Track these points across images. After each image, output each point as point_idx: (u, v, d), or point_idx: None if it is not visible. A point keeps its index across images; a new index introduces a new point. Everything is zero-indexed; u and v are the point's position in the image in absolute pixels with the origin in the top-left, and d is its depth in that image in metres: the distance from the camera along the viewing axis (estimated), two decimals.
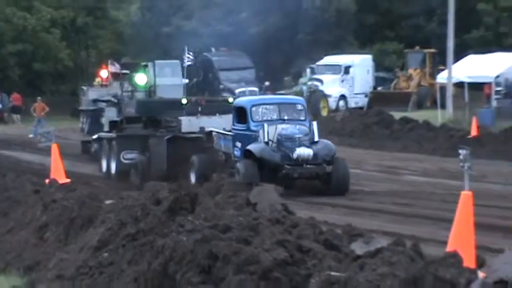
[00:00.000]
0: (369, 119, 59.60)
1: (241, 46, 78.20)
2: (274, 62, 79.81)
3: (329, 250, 13.09)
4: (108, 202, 19.57)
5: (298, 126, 31.62)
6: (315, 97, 67.97)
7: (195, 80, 75.15)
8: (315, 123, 31.98)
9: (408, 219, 27.27)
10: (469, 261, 13.18)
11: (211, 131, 33.97)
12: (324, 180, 31.18)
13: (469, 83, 62.63)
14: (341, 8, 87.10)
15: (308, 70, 74.15)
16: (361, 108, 70.48)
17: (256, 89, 73.65)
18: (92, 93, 61.31)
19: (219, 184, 27.08)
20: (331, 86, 72.30)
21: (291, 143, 30.84)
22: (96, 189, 23.92)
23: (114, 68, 64.58)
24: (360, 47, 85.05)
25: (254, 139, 31.27)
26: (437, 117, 59.88)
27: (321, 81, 72.17)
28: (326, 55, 78.62)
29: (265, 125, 31.21)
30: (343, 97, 73.22)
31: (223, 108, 35.80)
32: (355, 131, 57.84)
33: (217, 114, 34.87)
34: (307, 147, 30.73)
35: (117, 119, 38.78)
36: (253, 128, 31.67)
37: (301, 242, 13.18)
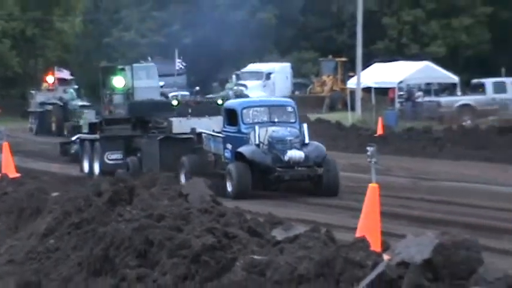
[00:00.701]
0: None
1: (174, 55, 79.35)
2: (204, 69, 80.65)
3: (252, 236, 13.17)
4: (54, 194, 19.75)
5: (289, 129, 29.56)
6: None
7: None
8: (305, 125, 30.08)
9: (323, 208, 27.43)
10: (375, 246, 13.36)
11: (201, 132, 31.85)
12: (315, 182, 29.09)
13: (375, 88, 65.34)
14: (263, 21, 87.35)
15: (234, 76, 75.43)
16: None
17: (187, 93, 72.91)
18: (39, 97, 63.26)
19: (155, 177, 23.85)
20: (254, 91, 73.15)
21: (282, 145, 28.65)
22: (44, 183, 23.81)
23: (61, 74, 65.16)
24: (280, 56, 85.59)
25: (245, 141, 29.14)
26: (348, 118, 61.92)
27: (245, 86, 72.88)
28: (250, 63, 79.44)
29: (256, 128, 29.03)
30: None
31: (212, 110, 33.67)
32: None
33: (206, 116, 32.67)
34: (298, 149, 28.64)
35: (96, 120, 36.69)
36: (244, 130, 29.44)
37: (227, 229, 13.19)
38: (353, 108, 65.77)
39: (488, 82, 64.93)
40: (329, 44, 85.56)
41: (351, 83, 71.03)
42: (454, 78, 69.16)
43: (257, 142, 28.51)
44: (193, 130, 31.41)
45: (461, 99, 63.73)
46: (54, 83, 63.67)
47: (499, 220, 24.61)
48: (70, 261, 15.06)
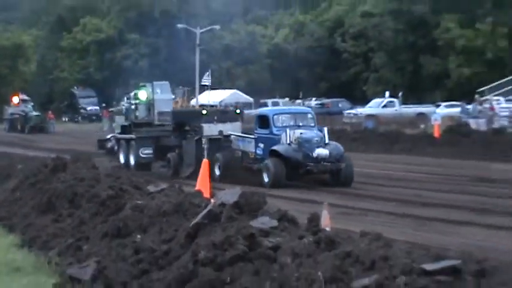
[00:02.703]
0: None
1: (90, 85, 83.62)
2: (108, 93, 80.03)
3: (136, 189, 13.60)
4: (19, 166, 20.70)
5: (315, 131, 26.37)
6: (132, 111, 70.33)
7: (65, 102, 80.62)
8: (325, 129, 26.80)
9: (329, 192, 24.04)
10: (207, 194, 13.99)
11: (230, 135, 28.48)
12: (334, 175, 25.69)
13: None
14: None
15: (125, 96, 75.13)
16: None
17: (98, 107, 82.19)
18: (10, 110, 67.67)
19: (79, 156, 20.83)
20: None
21: (310, 144, 25.32)
22: (13, 160, 24.72)
23: (22, 96, 70.13)
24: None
25: (277, 141, 25.94)
26: None
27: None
28: (135, 88, 79.28)
29: (287, 130, 25.90)
30: None
31: (232, 117, 30.01)
32: None
33: (228, 122, 29.14)
34: (323, 148, 25.38)
35: (126, 124, 33.45)
36: (275, 132, 26.16)
37: (121, 186, 13.62)
38: None
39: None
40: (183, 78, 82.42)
41: (193, 102, 70.39)
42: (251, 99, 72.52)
43: (288, 142, 25.68)
44: (220, 132, 28.49)
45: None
46: (19, 102, 68.86)
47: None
48: (29, 206, 15.74)
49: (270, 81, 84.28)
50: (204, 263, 8.72)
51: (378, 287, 6.87)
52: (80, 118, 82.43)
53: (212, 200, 11.07)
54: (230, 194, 10.81)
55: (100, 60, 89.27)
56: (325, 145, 25.44)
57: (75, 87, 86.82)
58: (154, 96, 32.45)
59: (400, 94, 57.67)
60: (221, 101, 70.00)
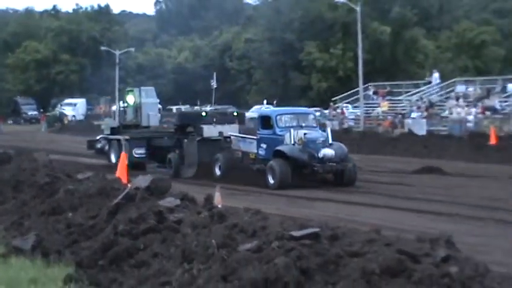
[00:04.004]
0: None
1: (30, 95, 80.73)
2: (45, 101, 78.09)
3: (68, 177, 13.22)
4: None
5: (319, 131, 21.79)
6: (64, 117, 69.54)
7: (10, 108, 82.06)
8: (329, 129, 22.46)
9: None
10: (124, 180, 13.44)
11: (230, 135, 23.75)
12: (339, 175, 20.92)
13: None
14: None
15: (59, 105, 73.54)
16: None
17: (37, 112, 78.62)
18: None
19: (21, 151, 19.82)
20: (68, 112, 72.22)
21: (315, 144, 20.62)
22: None
23: None
24: (82, 95, 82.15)
25: (280, 142, 21.16)
26: None
27: (63, 110, 73.51)
28: (69, 97, 76.93)
29: (292, 130, 21.08)
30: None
31: (230, 119, 25.22)
32: None
33: (226, 124, 24.49)
34: (329, 148, 20.75)
35: (115, 125, 28.77)
36: (279, 133, 21.36)
37: (56, 175, 13.23)
38: None
39: None
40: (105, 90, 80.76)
41: (114, 108, 68.50)
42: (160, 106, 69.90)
43: (292, 142, 20.83)
44: (220, 133, 23.97)
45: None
46: None
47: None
48: None
49: (174, 92, 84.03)
50: (123, 234, 8.65)
51: (258, 249, 6.90)
52: (22, 121, 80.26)
53: (129, 185, 10.89)
54: (143, 180, 10.67)
55: (38, 75, 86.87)
56: (329, 145, 20.96)
57: (18, 96, 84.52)
58: (141, 100, 28.39)
59: (275, 102, 58.30)
60: None
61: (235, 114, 26.23)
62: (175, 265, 7.52)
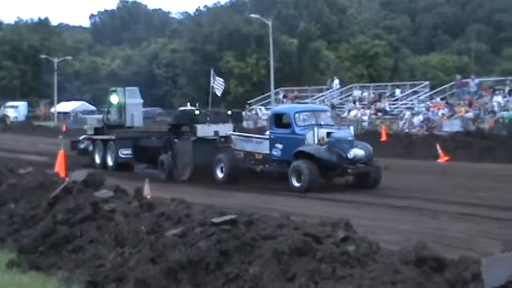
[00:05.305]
0: None
1: None
2: None
3: (10, 172, 12.64)
4: None
5: (347, 130, 18.09)
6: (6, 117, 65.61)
7: None
8: (351, 128, 18.66)
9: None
10: (63, 175, 13.00)
11: (231, 135, 19.74)
12: (363, 176, 16.94)
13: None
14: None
15: (2, 107, 70.68)
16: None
17: None
18: None
19: None
20: (11, 114, 67.54)
21: (344, 145, 16.74)
22: None
23: None
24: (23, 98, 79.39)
25: (301, 142, 17.05)
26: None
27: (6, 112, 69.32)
28: (12, 100, 74.05)
29: (315, 129, 17.07)
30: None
31: (224, 118, 20.84)
32: None
33: (220, 123, 20.38)
34: (358, 148, 17.00)
35: (99, 126, 25.07)
36: (298, 132, 17.20)
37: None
38: None
39: None
40: (45, 93, 77.25)
41: (52, 110, 67.34)
42: (94, 108, 67.61)
43: (316, 142, 16.94)
44: (216, 133, 20.05)
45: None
46: None
47: None
48: None
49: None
50: (61, 223, 8.54)
51: (183, 235, 6.88)
52: None
53: (67, 179, 10.60)
54: (79, 174, 10.48)
55: None
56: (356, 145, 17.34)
57: None
58: (126, 100, 25.07)
59: (197, 104, 58.14)
60: (72, 110, 67.83)
61: (229, 113, 22.21)
62: (109, 249, 7.44)
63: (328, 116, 18.79)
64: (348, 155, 16.66)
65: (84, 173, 10.35)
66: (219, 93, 27.74)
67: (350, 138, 17.24)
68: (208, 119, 20.72)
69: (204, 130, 20.31)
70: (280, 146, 17.77)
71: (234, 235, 6.50)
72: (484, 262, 4.88)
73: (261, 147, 18.45)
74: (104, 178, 10.35)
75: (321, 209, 13.43)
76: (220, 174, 18.81)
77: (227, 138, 19.80)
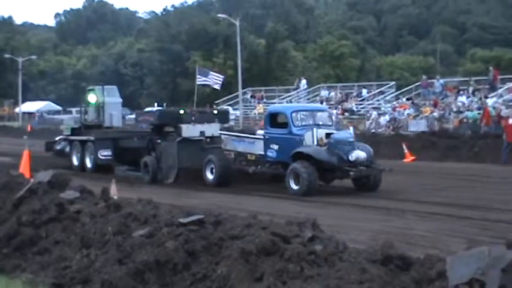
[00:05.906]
0: None
1: None
2: None
3: None
4: None
5: (348, 131, 17.86)
6: None
7: None
8: (351, 128, 17.65)
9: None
10: (28, 175, 12.51)
11: (221, 134, 18.84)
12: (363, 179, 16.25)
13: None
14: None
15: None
16: None
17: None
18: None
19: None
20: None
21: (344, 146, 15.86)
22: None
23: None
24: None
25: (298, 142, 16.20)
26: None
27: None
28: None
29: (315, 129, 16.25)
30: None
31: (210, 117, 19.67)
32: None
33: (206, 123, 19.30)
34: (359, 150, 16.14)
35: (76, 126, 23.92)
36: (296, 132, 16.37)
37: None
38: None
39: None
40: (8, 93, 75.90)
41: (17, 110, 65.77)
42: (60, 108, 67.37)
43: (315, 143, 16.13)
44: (202, 133, 19.17)
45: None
46: None
47: None
48: None
49: (75, 95, 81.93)
50: (26, 224, 8.43)
51: (150, 235, 6.85)
52: None
53: (32, 180, 10.34)
54: (44, 175, 10.25)
55: None
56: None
57: None
58: (104, 99, 23.71)
59: (164, 104, 57.96)
60: (37, 110, 66.84)
61: (215, 112, 21.19)
62: (74, 251, 7.39)
63: (327, 116, 17.92)
64: (350, 157, 15.93)
65: (49, 173, 10.16)
66: (218, 87, 26.94)
67: (351, 140, 16.45)
68: (193, 118, 19.65)
69: (190, 130, 19.31)
70: (275, 146, 16.96)
71: (201, 235, 6.49)
72: (449, 260, 4.98)
73: (255, 147, 17.61)
74: (69, 179, 10.22)
75: (288, 209, 13.43)
76: (210, 176, 18.00)
77: (214, 138, 19.07)
